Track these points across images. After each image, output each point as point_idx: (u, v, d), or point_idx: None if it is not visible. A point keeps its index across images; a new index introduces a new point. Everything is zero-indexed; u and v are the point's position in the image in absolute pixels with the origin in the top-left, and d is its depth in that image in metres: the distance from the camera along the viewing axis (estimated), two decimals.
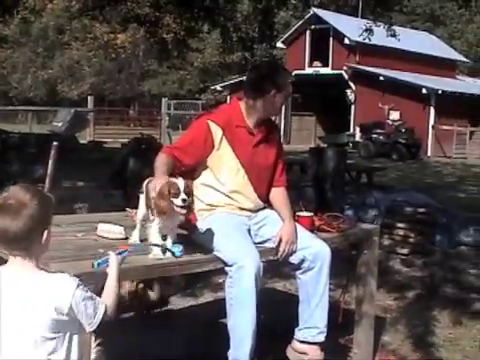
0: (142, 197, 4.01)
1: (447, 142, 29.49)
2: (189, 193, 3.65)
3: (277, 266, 5.49)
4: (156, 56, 43.90)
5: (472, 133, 30.52)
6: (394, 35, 15.63)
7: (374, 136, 27.60)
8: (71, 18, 34.89)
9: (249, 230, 4.28)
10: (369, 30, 15.24)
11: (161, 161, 4.00)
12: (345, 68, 32.63)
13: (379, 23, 16.38)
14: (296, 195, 9.32)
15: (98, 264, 3.31)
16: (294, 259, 4.24)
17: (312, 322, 4.27)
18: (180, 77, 50.58)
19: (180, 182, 3.64)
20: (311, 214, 4.64)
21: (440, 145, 29.75)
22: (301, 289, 4.32)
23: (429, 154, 29.42)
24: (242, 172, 4.27)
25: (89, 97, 32.50)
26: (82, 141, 18.95)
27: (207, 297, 6.39)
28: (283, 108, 33.29)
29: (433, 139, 29.87)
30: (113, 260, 3.14)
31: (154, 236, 3.73)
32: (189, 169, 4.23)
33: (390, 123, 28.43)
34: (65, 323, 2.71)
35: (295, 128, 35.66)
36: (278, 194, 4.46)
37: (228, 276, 3.92)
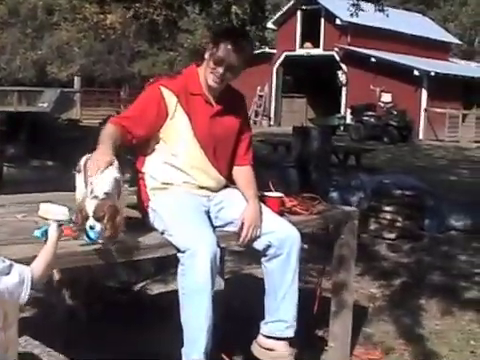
0: (79, 176, 3.46)
1: (439, 125, 29.18)
2: (101, 218, 3.03)
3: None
4: (146, 37, 43.40)
5: (465, 116, 30.14)
6: (382, 10, 15.19)
7: (365, 118, 27.32)
8: None
9: (208, 212, 3.80)
10: (356, 5, 14.77)
11: (106, 133, 3.54)
12: (336, 49, 32.28)
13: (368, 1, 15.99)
14: (279, 176, 8.97)
15: (41, 233, 2.93)
16: (258, 245, 3.76)
17: (279, 315, 3.80)
18: (170, 58, 50.03)
19: (90, 203, 3.04)
20: (280, 195, 4.17)
21: (432, 128, 29.40)
22: (267, 279, 3.84)
23: (421, 137, 29.15)
24: (198, 145, 3.80)
25: (76, 78, 32.22)
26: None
27: None
28: (273, 89, 33.24)
29: (425, 122, 29.55)
30: (52, 229, 2.88)
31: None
32: (140, 142, 3.76)
33: (382, 105, 28.19)
34: None
35: (286, 110, 35.31)
36: (242, 173, 3.99)
37: (180, 263, 3.45)
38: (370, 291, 6.05)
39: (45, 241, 2.85)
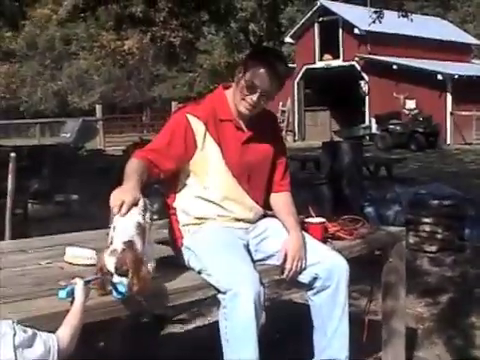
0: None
1: (467, 128, 28.71)
2: (124, 274, 2.74)
3: None
4: (165, 60, 43.42)
5: None
6: (406, 15, 14.84)
7: (391, 127, 26.86)
8: (62, 22, 34.43)
9: (248, 246, 3.52)
10: (379, 12, 14.46)
11: (131, 168, 3.25)
12: (357, 59, 31.93)
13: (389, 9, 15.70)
14: (310, 195, 8.69)
15: (66, 293, 2.62)
16: (304, 278, 3.48)
17: (330, 353, 3.51)
18: (189, 80, 50.09)
19: (110, 261, 2.74)
20: (323, 220, 3.89)
21: (460, 132, 28.91)
22: (314, 313, 3.56)
23: (449, 142, 28.65)
24: (231, 175, 3.52)
25: (97, 106, 32.11)
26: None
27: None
28: (296, 103, 33.00)
29: (452, 126, 29.04)
30: (79, 289, 2.61)
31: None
32: (169, 175, 3.49)
33: (406, 112, 27.72)
34: None
35: (309, 124, 34.99)
36: (280, 200, 3.70)
37: (221, 306, 3.17)
38: (417, 310, 5.75)
39: (71, 302, 2.59)
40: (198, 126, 3.46)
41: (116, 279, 2.71)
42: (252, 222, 3.62)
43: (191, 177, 3.52)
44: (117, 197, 2.95)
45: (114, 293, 2.75)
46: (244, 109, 3.49)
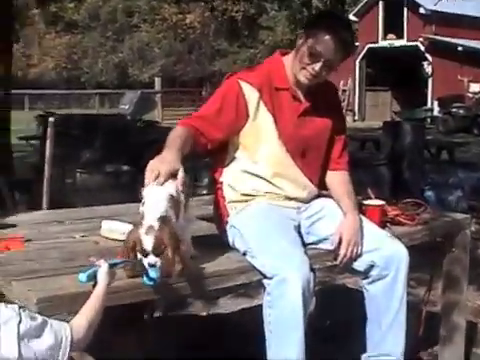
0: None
1: None
2: (161, 253, 2.47)
3: None
4: (226, 36, 43.21)
5: None
6: None
7: (453, 110, 26.20)
8: None
9: (299, 227, 3.23)
10: None
11: (174, 135, 2.97)
12: (421, 39, 31.22)
13: None
14: (368, 177, 8.38)
15: (87, 277, 2.33)
16: (359, 265, 3.17)
17: (384, 348, 3.21)
18: (250, 56, 49.78)
19: (148, 239, 2.47)
20: (382, 203, 3.57)
21: None
22: (369, 304, 3.25)
23: None
24: (284, 149, 3.22)
25: (156, 78, 32.10)
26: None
27: None
28: (357, 83, 32.46)
29: None
30: (102, 273, 2.32)
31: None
32: (216, 147, 3.19)
33: (470, 96, 27.09)
34: None
35: (370, 104, 34.42)
36: (337, 179, 3.39)
37: (266, 292, 2.88)
38: (477, 303, 5.39)
39: (94, 286, 2.31)
40: (251, 94, 3.16)
41: (151, 260, 2.45)
42: (305, 202, 3.31)
43: (240, 150, 3.23)
44: (154, 166, 2.68)
45: (145, 279, 2.48)
46: (304, 78, 3.17)
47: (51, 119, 5.16)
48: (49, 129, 5.21)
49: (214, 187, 3.36)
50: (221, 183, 3.28)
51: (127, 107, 20.34)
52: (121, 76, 51.66)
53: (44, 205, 5.45)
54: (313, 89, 3.24)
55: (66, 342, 1.99)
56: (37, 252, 2.95)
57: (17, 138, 11.35)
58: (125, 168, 8.28)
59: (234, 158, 3.24)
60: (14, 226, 3.52)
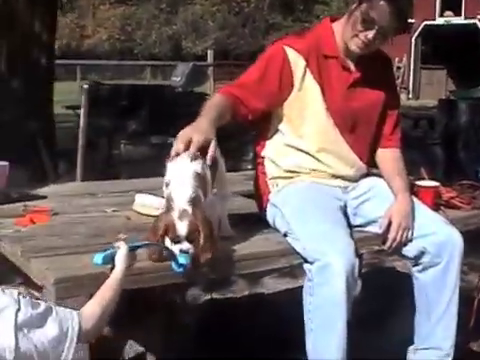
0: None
1: None
2: (195, 240, 2.28)
3: None
4: (280, 10, 42.77)
5: None
6: None
7: None
8: None
9: (345, 208, 3.00)
10: None
11: (212, 103, 2.75)
12: (479, 17, 30.51)
13: None
14: (422, 156, 8.07)
15: (103, 259, 2.11)
16: (409, 251, 2.93)
17: (433, 342, 2.97)
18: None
19: (182, 224, 2.27)
20: (436, 184, 3.32)
21: None
22: (418, 293, 3.01)
23: None
24: (332, 123, 2.98)
25: (209, 51, 31.89)
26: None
27: None
28: (412, 60, 31.87)
29: None
30: (121, 256, 2.10)
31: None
32: (258, 117, 2.95)
33: None
34: None
35: (424, 82, 33.78)
36: (388, 157, 3.13)
37: (306, 278, 2.66)
38: None
39: (111, 270, 2.10)
40: (297, 61, 2.91)
41: (185, 246, 2.25)
42: (352, 180, 3.07)
43: (284, 122, 2.99)
44: (185, 135, 2.46)
45: (173, 265, 2.27)
46: (355, 47, 2.92)
47: (85, 86, 4.96)
48: (83, 97, 4.99)
49: (255, 161, 3.14)
50: (263, 158, 3.07)
51: (179, 79, 20.20)
52: (174, 48, 51.58)
53: (78, 177, 5.28)
54: (365, 59, 2.98)
55: (73, 333, 1.78)
56: (62, 226, 2.78)
57: (64, 107, 11.23)
58: (171, 140, 8.05)
59: (277, 131, 3.01)
60: (44, 198, 3.36)
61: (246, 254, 2.56)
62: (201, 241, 2.24)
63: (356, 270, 2.64)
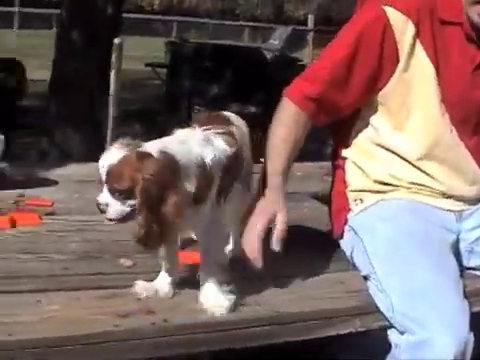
0: None
1: None
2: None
3: None
4: None
5: None
6: None
7: None
8: None
9: (457, 242, 2.07)
10: None
11: (280, 136, 2.01)
12: None
13: None
14: None
15: None
16: None
17: None
18: None
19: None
20: None
21: None
22: None
23: None
24: (447, 119, 2.04)
25: (309, 16, 30.75)
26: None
27: None
28: None
29: None
30: None
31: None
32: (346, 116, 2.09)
33: None
34: None
35: None
36: None
37: (391, 353, 1.77)
38: None
39: None
40: (404, 27, 1.98)
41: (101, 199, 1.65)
42: (471, 203, 2.12)
43: (379, 114, 2.07)
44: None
45: None
46: (477, 17, 1.98)
47: (117, 40, 4.05)
48: (114, 54, 4.08)
49: (332, 163, 2.25)
50: (344, 159, 2.15)
51: (277, 42, 19.52)
52: (277, 11, 50.86)
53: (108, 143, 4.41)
54: None
55: None
56: (47, 237, 1.94)
57: (144, 64, 10.65)
58: (252, 109, 7.20)
59: (368, 124, 2.09)
60: (56, 183, 2.57)
61: (302, 313, 1.67)
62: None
63: (469, 348, 1.73)
